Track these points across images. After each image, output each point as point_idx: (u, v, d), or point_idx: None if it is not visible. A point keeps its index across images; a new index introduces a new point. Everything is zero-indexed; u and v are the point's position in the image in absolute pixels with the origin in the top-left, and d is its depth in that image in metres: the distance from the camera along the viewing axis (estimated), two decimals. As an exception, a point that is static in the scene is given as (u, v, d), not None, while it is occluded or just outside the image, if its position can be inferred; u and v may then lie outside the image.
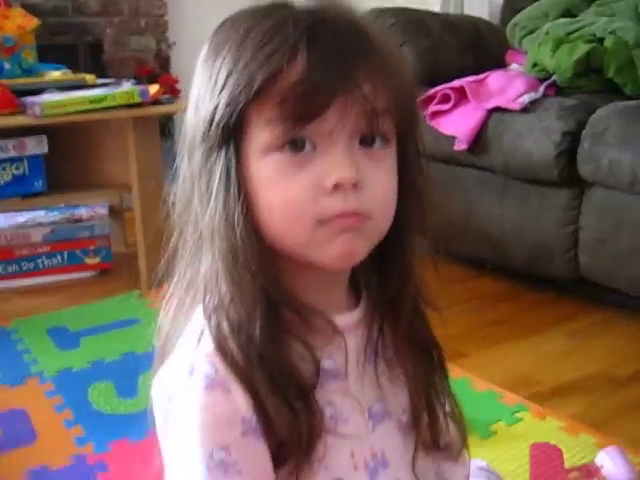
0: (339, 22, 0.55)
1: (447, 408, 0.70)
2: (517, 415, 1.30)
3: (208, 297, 0.57)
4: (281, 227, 0.55)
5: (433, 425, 0.66)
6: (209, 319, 0.56)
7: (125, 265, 2.17)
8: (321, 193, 0.54)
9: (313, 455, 0.55)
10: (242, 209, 0.54)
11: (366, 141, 0.56)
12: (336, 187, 0.53)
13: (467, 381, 1.43)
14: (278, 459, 0.55)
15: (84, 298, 1.96)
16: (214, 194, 0.55)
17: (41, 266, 2.10)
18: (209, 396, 0.53)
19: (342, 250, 0.56)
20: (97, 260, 2.15)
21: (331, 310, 0.59)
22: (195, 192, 0.57)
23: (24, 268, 2.08)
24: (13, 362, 1.56)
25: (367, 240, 0.58)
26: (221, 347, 0.55)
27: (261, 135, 0.54)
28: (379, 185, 0.56)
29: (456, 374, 1.44)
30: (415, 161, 0.61)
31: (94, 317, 1.79)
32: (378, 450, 0.62)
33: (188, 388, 0.54)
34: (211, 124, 0.55)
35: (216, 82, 0.55)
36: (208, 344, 0.55)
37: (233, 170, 0.55)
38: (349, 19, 0.56)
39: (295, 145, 0.54)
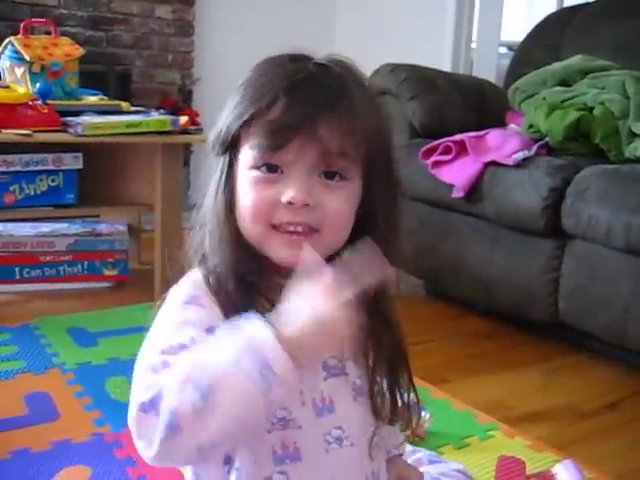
0: (321, 79, 0.73)
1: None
2: (489, 433, 1.45)
3: (202, 255, 0.77)
4: (248, 223, 0.74)
5: (391, 404, 0.82)
6: (202, 268, 0.76)
7: (139, 280, 2.32)
8: (278, 205, 0.72)
9: None
10: (225, 204, 0.75)
11: (327, 175, 0.74)
12: (289, 204, 0.72)
13: (447, 402, 1.58)
14: None
15: (101, 305, 2.11)
16: (212, 189, 0.77)
17: (62, 273, 2.26)
18: (186, 306, 0.73)
19: (288, 258, 0.73)
20: (115, 272, 2.31)
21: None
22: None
23: (47, 274, 2.24)
24: (36, 353, 1.71)
25: (316, 252, 0.75)
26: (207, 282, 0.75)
27: (247, 155, 0.74)
28: (331, 207, 0.73)
29: (438, 395, 1.60)
30: (385, 187, 0.78)
31: (110, 321, 1.95)
32: (327, 396, 0.77)
33: (172, 296, 0.75)
34: (218, 138, 0.76)
35: (227, 108, 0.76)
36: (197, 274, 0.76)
37: (224, 174, 0.76)
38: (333, 77, 0.74)
39: (269, 168, 0.73)
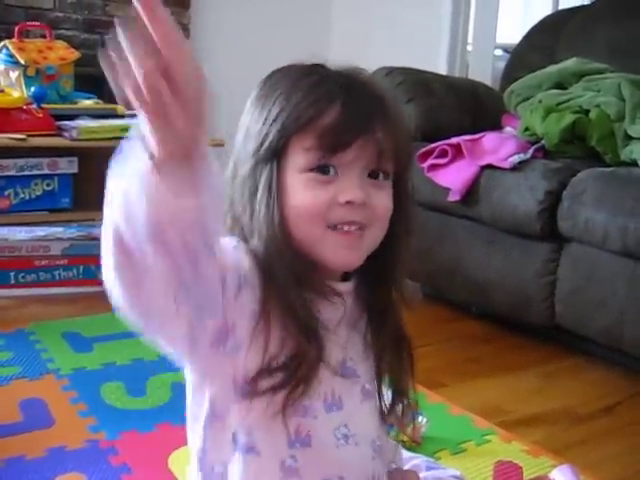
0: (364, 85, 0.77)
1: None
2: (486, 437, 1.45)
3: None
4: (302, 225, 0.74)
5: (395, 406, 0.84)
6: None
7: (135, 283, 2.31)
8: (335, 205, 0.73)
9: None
10: (278, 209, 0.73)
11: (373, 175, 0.75)
12: (348, 203, 0.73)
13: (444, 406, 1.58)
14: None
15: (96, 310, 2.10)
16: (259, 197, 0.74)
17: (58, 277, 2.25)
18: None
19: (343, 259, 0.76)
20: (110, 276, 2.29)
21: (333, 279, 0.78)
22: (237, 194, 0.76)
23: (42, 278, 2.23)
24: (31, 359, 1.70)
25: (363, 251, 0.77)
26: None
27: (298, 158, 0.73)
28: (379, 205, 0.76)
29: (435, 400, 1.60)
30: (406, 193, 0.80)
31: (106, 326, 1.93)
32: (337, 393, 0.78)
33: None
34: (262, 145, 0.74)
35: (268, 115, 0.74)
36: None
37: (274, 181, 0.74)
38: (370, 84, 0.78)
39: (323, 169, 0.73)
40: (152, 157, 0.57)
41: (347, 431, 0.78)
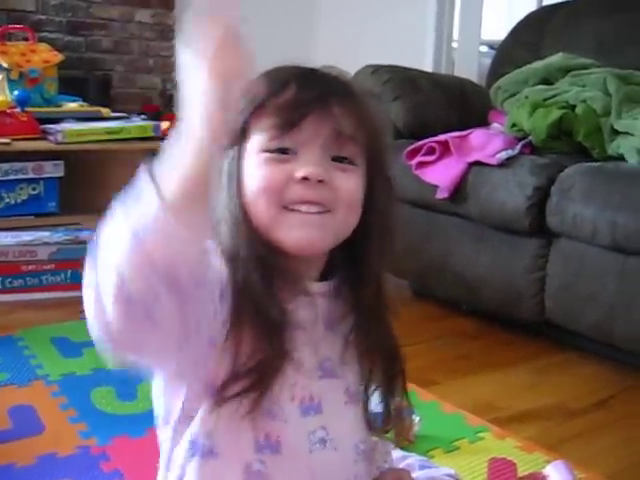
0: (326, 72, 0.77)
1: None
2: (479, 435, 1.45)
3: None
4: (258, 206, 0.72)
5: (383, 414, 0.82)
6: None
7: (123, 287, 2.29)
8: (291, 182, 0.71)
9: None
10: (238, 193, 0.72)
11: (336, 159, 0.74)
12: (304, 179, 0.71)
13: (436, 404, 1.57)
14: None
15: (84, 314, 2.08)
16: (222, 184, 0.74)
17: (45, 282, 2.23)
18: None
19: (301, 239, 0.72)
20: (98, 280, 2.28)
21: (305, 277, 0.76)
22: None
23: (29, 283, 2.21)
24: (20, 365, 1.68)
25: (328, 234, 0.73)
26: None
27: (258, 139, 0.73)
28: (343, 186, 0.73)
29: (426, 398, 1.60)
30: (382, 183, 0.78)
31: (95, 331, 1.92)
32: (316, 397, 0.76)
33: None
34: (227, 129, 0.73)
35: None
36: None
37: (235, 165, 0.74)
38: (334, 72, 0.78)
39: (282, 151, 0.72)
40: (162, 198, 0.58)
41: (325, 434, 0.76)
